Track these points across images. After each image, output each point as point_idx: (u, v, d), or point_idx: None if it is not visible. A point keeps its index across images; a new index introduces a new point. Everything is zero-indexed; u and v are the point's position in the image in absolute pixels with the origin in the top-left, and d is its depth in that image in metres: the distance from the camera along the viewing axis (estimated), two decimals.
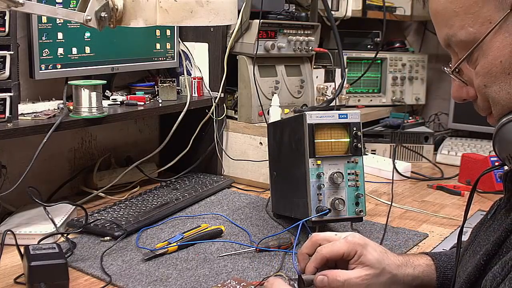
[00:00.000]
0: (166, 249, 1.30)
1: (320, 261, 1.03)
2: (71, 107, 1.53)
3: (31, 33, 1.48)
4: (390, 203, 1.65)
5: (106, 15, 1.12)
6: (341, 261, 1.03)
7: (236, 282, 1.15)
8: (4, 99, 1.40)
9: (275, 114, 1.79)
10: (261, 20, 1.79)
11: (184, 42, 1.94)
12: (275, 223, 1.53)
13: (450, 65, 0.86)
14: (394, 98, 2.50)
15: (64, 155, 1.76)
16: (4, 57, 1.36)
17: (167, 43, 1.90)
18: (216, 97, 1.87)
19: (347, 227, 1.45)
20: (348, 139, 1.35)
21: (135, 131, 1.99)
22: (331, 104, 2.01)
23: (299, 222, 1.27)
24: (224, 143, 1.92)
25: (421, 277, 1.04)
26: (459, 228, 0.94)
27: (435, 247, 1.41)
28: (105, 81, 1.62)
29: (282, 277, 1.16)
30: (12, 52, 1.37)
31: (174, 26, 1.89)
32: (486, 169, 0.97)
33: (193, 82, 1.90)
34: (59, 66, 1.56)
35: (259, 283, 1.15)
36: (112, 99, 1.70)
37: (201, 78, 1.90)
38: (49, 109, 1.55)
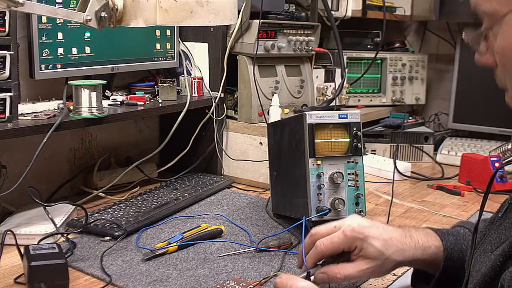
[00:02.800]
0: (166, 249, 1.30)
1: (320, 257, 1.03)
2: (71, 107, 1.53)
3: (31, 33, 1.48)
4: (391, 199, 1.65)
5: (106, 15, 1.12)
6: (342, 252, 1.02)
7: (235, 282, 1.15)
8: (4, 99, 1.40)
9: (275, 114, 1.79)
10: (261, 20, 1.79)
11: (184, 42, 1.94)
12: (275, 223, 1.53)
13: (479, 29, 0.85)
14: (394, 98, 2.50)
15: (64, 155, 1.76)
16: (4, 57, 1.36)
17: (167, 43, 1.90)
18: (216, 97, 1.87)
19: None
20: (348, 139, 1.35)
21: (135, 131, 1.99)
22: (331, 104, 2.01)
23: (300, 221, 1.26)
24: (224, 143, 1.92)
25: (429, 260, 1.03)
26: (473, 229, 0.94)
27: None
28: (105, 81, 1.62)
29: None
30: (12, 52, 1.37)
31: (174, 26, 1.89)
32: (499, 167, 0.97)
33: (193, 82, 1.90)
34: (59, 66, 1.56)
35: (258, 283, 1.15)
36: (112, 99, 1.70)
37: (201, 78, 1.90)
38: (49, 109, 1.55)
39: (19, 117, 1.44)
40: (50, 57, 1.53)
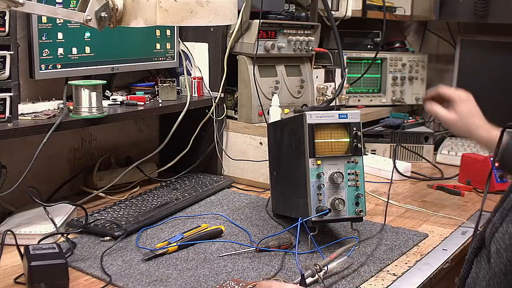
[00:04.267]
0: (166, 249, 1.30)
1: (435, 92, 1.55)
2: (71, 107, 1.53)
3: (31, 33, 1.48)
4: (387, 199, 1.65)
5: (106, 15, 1.12)
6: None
7: (235, 282, 1.15)
8: (4, 99, 1.40)
9: (275, 114, 1.79)
10: (261, 20, 1.79)
11: (184, 42, 1.94)
12: (275, 223, 1.53)
13: None
14: (394, 98, 2.50)
15: (64, 155, 1.76)
16: (4, 57, 1.36)
17: (167, 43, 1.90)
18: (216, 97, 1.87)
19: (347, 227, 1.45)
20: (348, 139, 1.35)
21: (135, 131, 1.99)
22: (331, 104, 2.01)
23: (297, 223, 1.27)
24: (224, 143, 1.92)
25: (490, 142, 1.40)
26: (477, 218, 1.05)
27: (435, 247, 1.41)
28: (105, 81, 1.62)
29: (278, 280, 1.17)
30: (12, 52, 1.37)
31: (174, 26, 1.89)
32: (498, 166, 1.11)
33: (193, 82, 1.90)
34: (59, 66, 1.56)
35: (256, 283, 1.15)
36: (112, 99, 1.70)
37: (201, 78, 1.90)
38: (49, 109, 1.55)
39: (19, 117, 1.44)
40: (50, 57, 1.53)
